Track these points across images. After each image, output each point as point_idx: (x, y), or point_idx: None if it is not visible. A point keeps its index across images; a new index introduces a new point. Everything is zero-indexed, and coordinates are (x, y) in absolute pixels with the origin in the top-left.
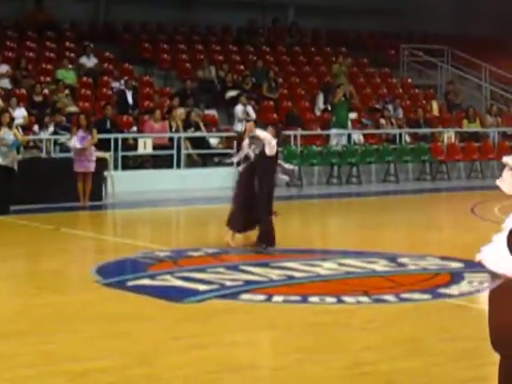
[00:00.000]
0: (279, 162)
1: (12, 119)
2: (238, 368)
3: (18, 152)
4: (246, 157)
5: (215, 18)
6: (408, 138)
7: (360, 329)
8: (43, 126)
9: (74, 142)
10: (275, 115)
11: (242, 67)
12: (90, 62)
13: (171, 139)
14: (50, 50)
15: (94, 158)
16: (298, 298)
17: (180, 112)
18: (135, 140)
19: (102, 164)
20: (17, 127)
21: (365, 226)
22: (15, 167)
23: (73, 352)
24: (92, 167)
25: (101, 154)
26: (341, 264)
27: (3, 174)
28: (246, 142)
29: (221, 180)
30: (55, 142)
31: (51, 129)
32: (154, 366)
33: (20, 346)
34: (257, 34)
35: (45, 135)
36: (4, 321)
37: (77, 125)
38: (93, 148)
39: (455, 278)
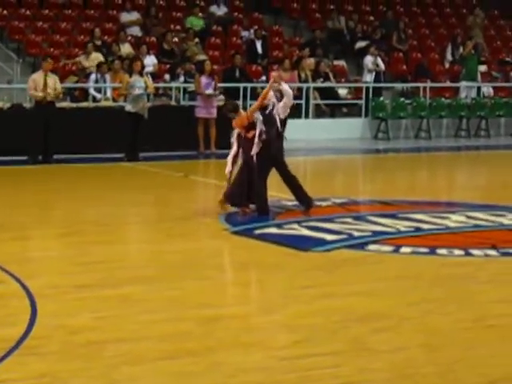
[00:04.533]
0: None
1: (143, 67)
2: (365, 317)
3: (148, 100)
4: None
5: None
6: None
7: (488, 282)
8: (173, 74)
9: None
10: (404, 67)
11: (371, 18)
12: (219, 10)
13: (300, 89)
14: None
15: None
16: (426, 249)
17: (309, 62)
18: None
19: None
20: (147, 75)
21: (493, 179)
22: (145, 115)
23: (201, 299)
24: (215, 113)
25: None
26: (469, 217)
27: (133, 121)
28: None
29: (349, 130)
30: (184, 90)
31: (181, 77)
32: (280, 315)
33: (148, 291)
34: None
35: (175, 83)
36: (133, 266)
37: (200, 71)
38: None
39: None
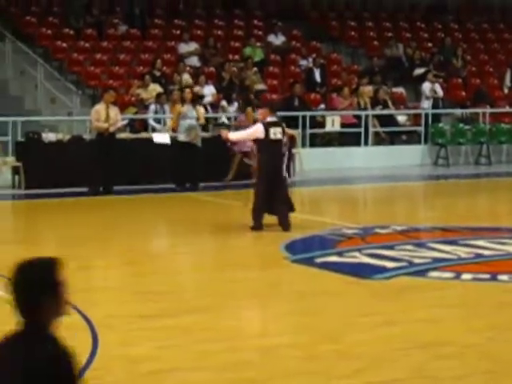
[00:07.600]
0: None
1: (197, 97)
2: (426, 345)
3: (208, 129)
4: None
5: None
6: None
7: None
8: (232, 104)
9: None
10: (463, 93)
11: (429, 44)
12: (277, 39)
13: (359, 117)
14: (238, 28)
15: None
16: (487, 276)
17: (368, 89)
18: (323, 117)
19: (290, 141)
20: (200, 105)
21: None
22: (198, 144)
23: (261, 328)
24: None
25: (289, 132)
26: None
27: (186, 151)
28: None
29: (408, 157)
30: None
31: (235, 103)
32: (341, 343)
33: (207, 320)
34: (445, 11)
35: (232, 113)
36: (192, 296)
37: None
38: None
39: None
